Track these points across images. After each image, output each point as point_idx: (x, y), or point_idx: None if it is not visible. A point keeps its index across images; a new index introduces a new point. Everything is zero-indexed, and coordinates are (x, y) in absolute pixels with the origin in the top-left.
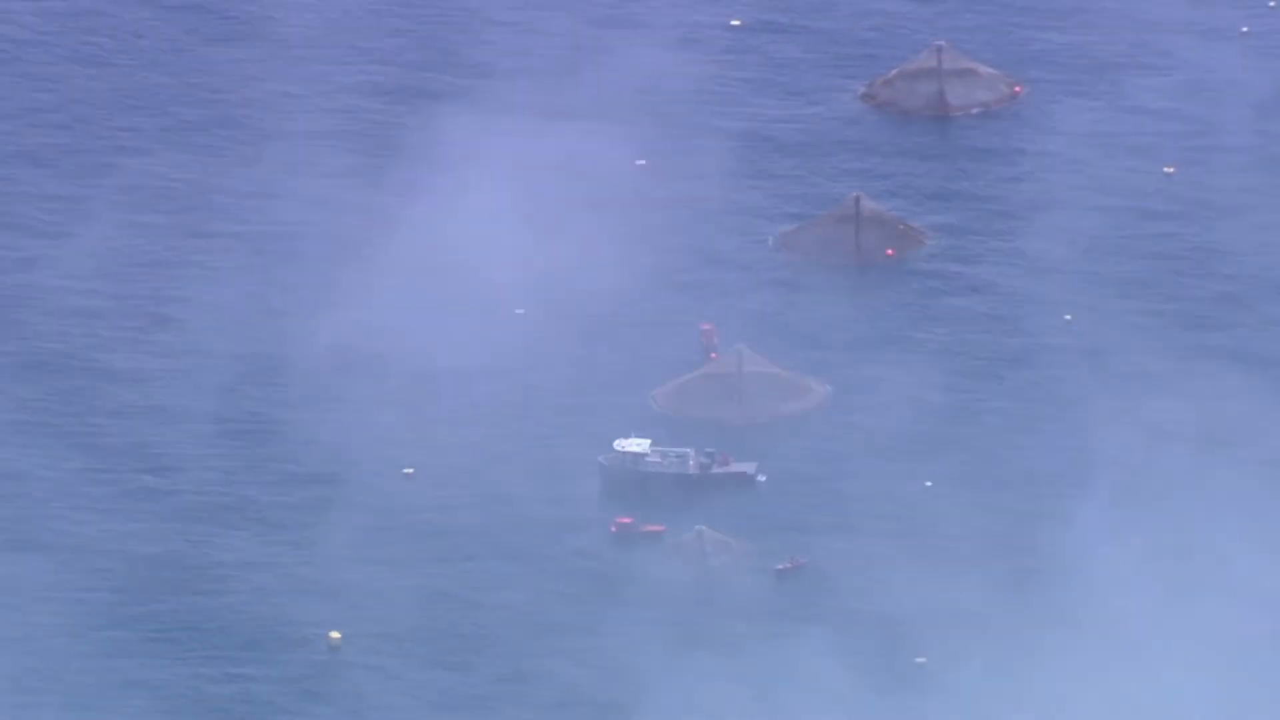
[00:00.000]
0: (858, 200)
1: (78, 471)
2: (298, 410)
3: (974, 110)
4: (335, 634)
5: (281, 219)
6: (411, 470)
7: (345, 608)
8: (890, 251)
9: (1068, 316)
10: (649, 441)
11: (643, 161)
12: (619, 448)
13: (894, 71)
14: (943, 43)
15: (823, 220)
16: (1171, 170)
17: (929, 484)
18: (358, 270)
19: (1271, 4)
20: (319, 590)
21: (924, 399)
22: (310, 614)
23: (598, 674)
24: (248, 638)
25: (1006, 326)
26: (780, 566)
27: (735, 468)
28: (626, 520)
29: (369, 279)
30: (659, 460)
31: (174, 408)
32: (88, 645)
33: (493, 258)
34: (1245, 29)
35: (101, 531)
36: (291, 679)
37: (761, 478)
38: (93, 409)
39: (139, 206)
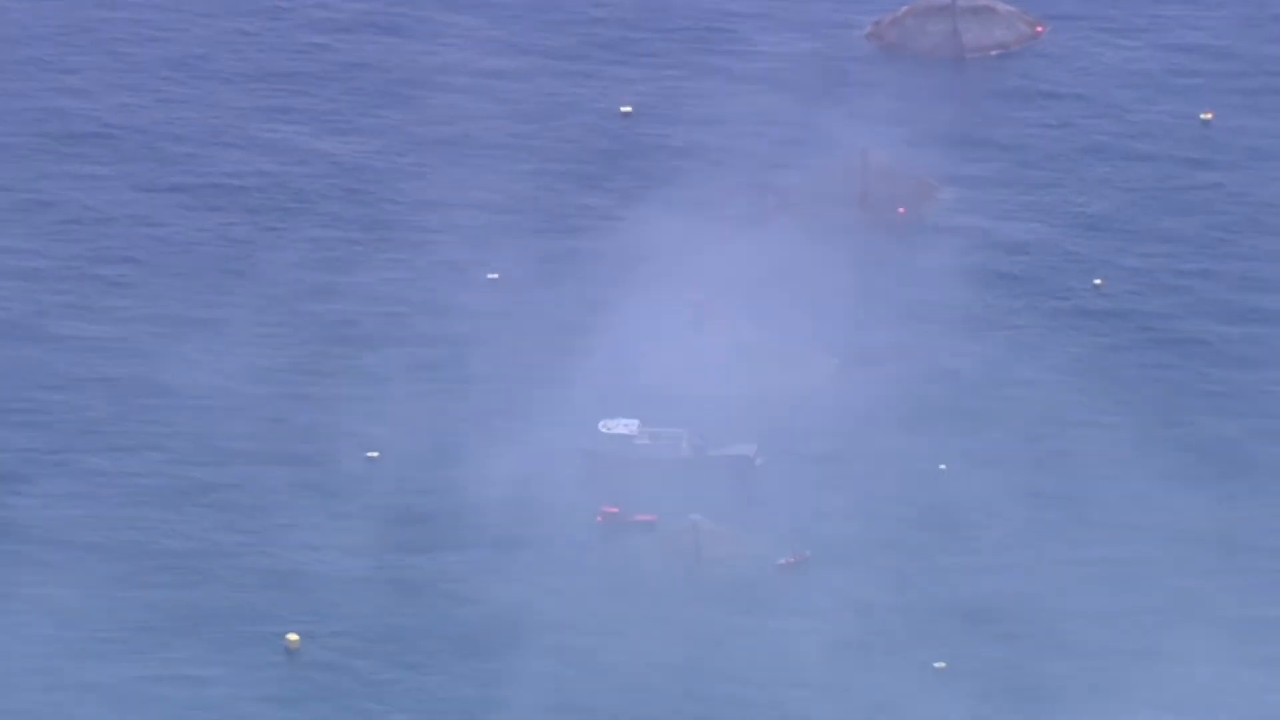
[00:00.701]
0: (864, 154)
1: (18, 453)
2: (258, 385)
3: (992, 52)
4: (293, 636)
5: (237, 170)
6: (377, 454)
7: (310, 603)
8: (902, 210)
9: (1097, 280)
10: (637, 422)
11: (628, 109)
12: (604, 429)
13: (904, 9)
14: None
15: (826, 175)
16: (1210, 116)
17: (943, 467)
18: (313, 221)
19: None
20: (282, 584)
21: (941, 372)
22: (273, 609)
23: (584, 676)
24: (204, 636)
25: (1032, 290)
26: (783, 561)
27: (732, 450)
28: (613, 509)
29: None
30: (648, 443)
31: (124, 381)
32: (30, 646)
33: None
34: None
35: (45, 519)
36: (252, 682)
37: (759, 460)
38: (34, 383)
39: (82, 157)
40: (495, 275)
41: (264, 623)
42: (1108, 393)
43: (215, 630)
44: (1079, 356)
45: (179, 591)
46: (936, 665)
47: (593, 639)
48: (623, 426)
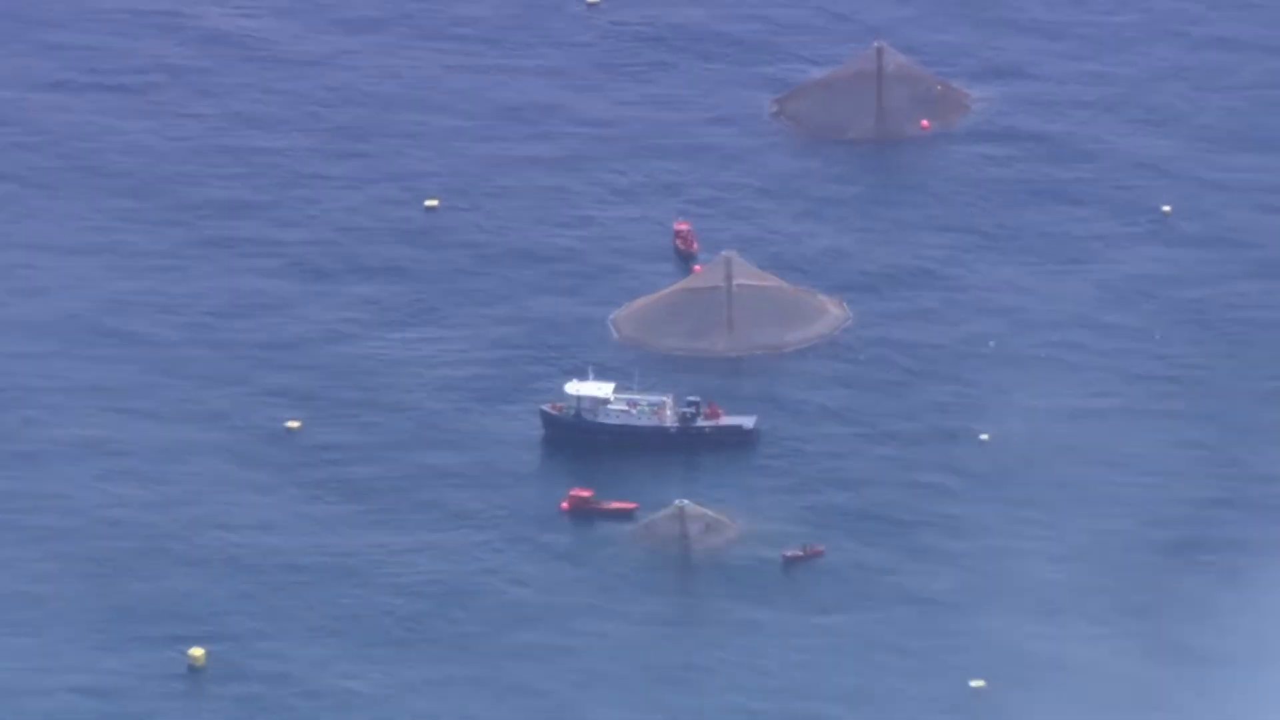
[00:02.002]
0: (880, 52)
1: None
2: (162, 328)
3: None
4: (197, 651)
5: (130, 64)
6: (298, 424)
7: (227, 595)
8: (925, 124)
9: (1166, 208)
10: (612, 386)
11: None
12: (572, 392)
13: None
14: None
15: (835, 79)
16: None
17: (984, 437)
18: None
19: None
20: (192, 572)
21: (976, 318)
22: (182, 605)
23: (559, 684)
24: (100, 639)
25: (1085, 217)
26: (789, 553)
27: (726, 421)
28: (584, 493)
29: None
30: (625, 410)
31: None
32: None
33: None
34: None
35: None
36: (156, 696)
37: (750, 426)
38: None
39: None
40: (435, 202)
41: (170, 622)
42: (1184, 342)
43: (114, 632)
44: (1148, 297)
45: (67, 583)
46: (973, 684)
47: (571, 639)
48: (594, 389)
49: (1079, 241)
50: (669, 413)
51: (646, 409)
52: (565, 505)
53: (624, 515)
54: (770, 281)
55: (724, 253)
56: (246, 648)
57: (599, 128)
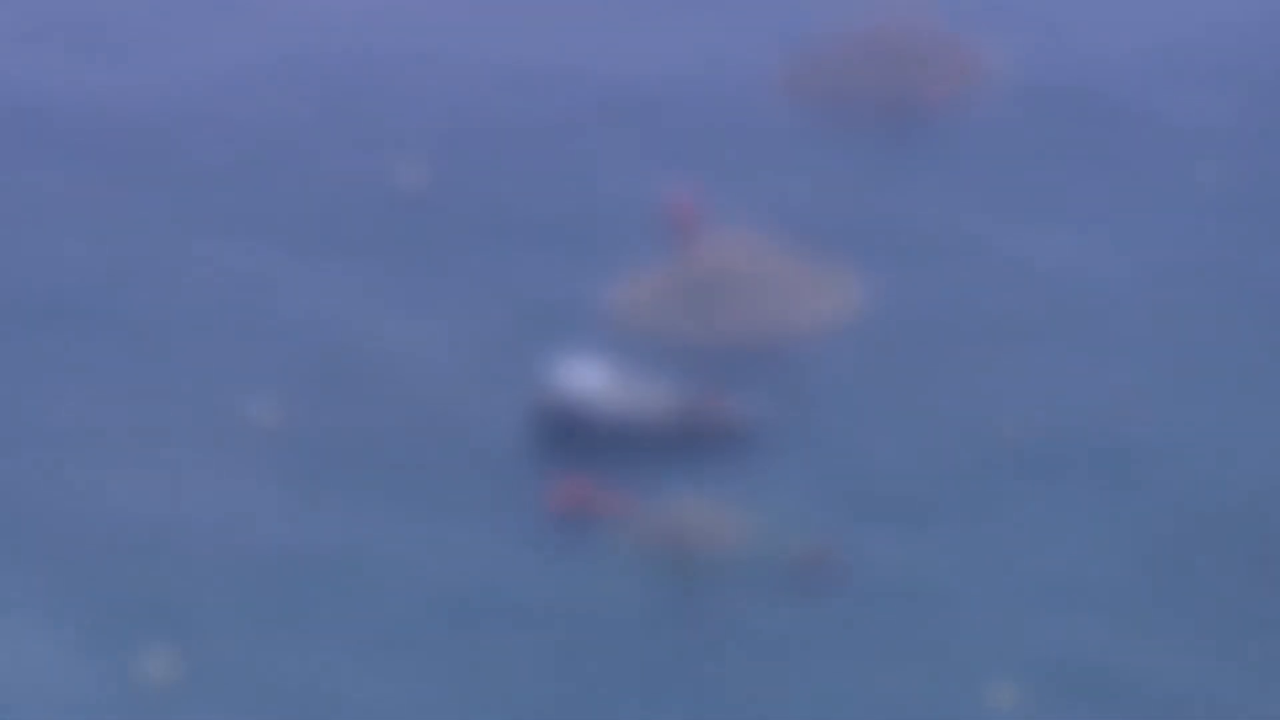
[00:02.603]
0: (898, 6)
1: None
2: (141, 309)
3: None
4: (163, 662)
5: (98, 16)
6: (271, 413)
7: (204, 595)
8: (949, 83)
9: (1216, 175)
10: (606, 369)
11: None
12: (560, 378)
13: None
14: None
15: (844, 42)
16: None
17: (1015, 424)
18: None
19: None
20: (142, 563)
21: (1004, 295)
22: (162, 601)
23: (561, 688)
24: (70, 636)
25: (1126, 185)
26: (795, 555)
27: (730, 410)
28: (577, 490)
29: None
30: (619, 399)
31: None
32: None
33: None
34: None
35: None
36: (129, 703)
37: (756, 416)
38: None
39: None
40: (415, 172)
41: (146, 625)
42: (1238, 321)
43: (85, 635)
44: (1198, 272)
45: (33, 581)
46: (1003, 689)
47: (568, 642)
48: (586, 374)
49: (1119, 212)
50: (668, 403)
51: (641, 399)
52: (558, 502)
53: (621, 513)
54: (779, 259)
55: (730, 228)
56: (227, 652)
57: (598, 91)
